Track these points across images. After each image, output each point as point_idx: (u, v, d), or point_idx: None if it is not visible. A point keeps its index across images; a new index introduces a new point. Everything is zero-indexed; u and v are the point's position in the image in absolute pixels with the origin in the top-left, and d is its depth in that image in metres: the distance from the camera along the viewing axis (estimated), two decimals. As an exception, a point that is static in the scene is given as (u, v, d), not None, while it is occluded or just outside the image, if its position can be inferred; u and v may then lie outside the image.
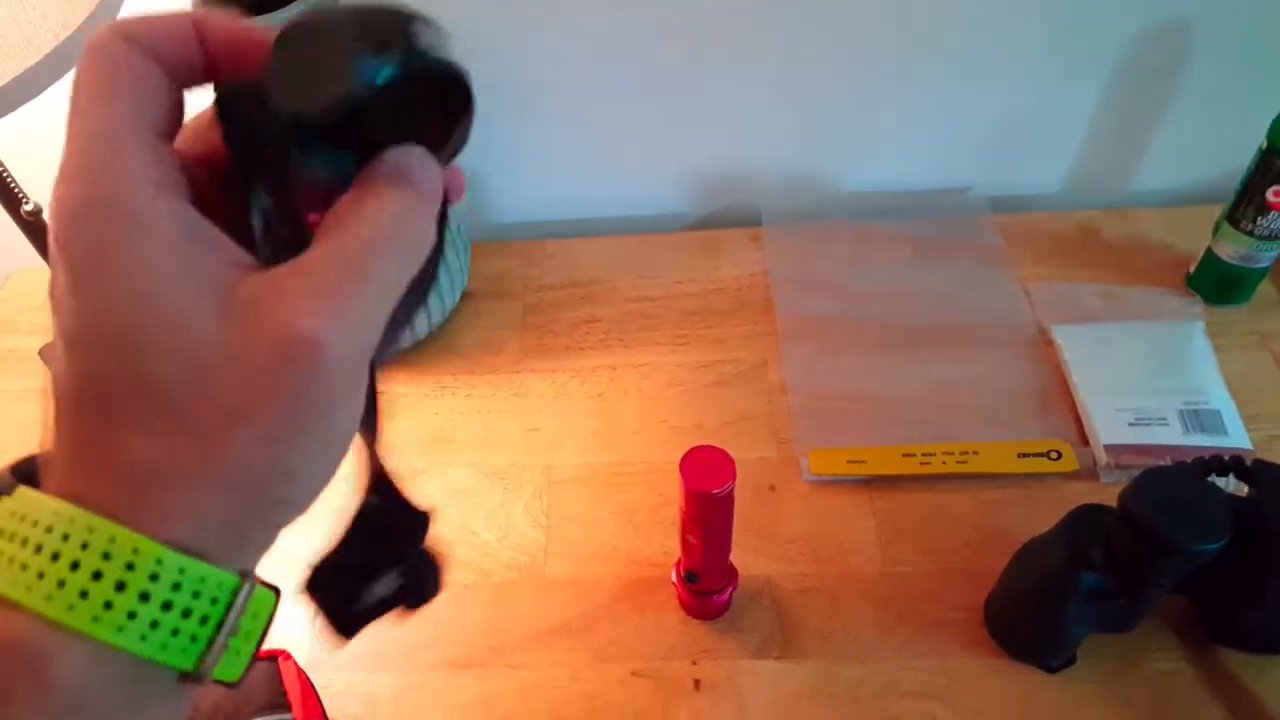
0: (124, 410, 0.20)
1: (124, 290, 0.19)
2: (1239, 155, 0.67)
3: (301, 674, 0.51)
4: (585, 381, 0.72)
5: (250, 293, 0.20)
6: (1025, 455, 0.65)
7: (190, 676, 0.20)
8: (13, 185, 0.62)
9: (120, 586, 0.19)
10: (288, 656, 0.56)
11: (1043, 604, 0.52)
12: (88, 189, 0.19)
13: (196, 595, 0.20)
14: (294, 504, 0.22)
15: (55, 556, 0.19)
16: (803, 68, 0.76)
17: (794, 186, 0.86)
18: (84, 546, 0.19)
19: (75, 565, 0.19)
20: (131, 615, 0.19)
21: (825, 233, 0.83)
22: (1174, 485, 0.47)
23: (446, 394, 0.72)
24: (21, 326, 0.81)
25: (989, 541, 0.61)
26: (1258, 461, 0.50)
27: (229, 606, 0.21)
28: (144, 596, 0.19)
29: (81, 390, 0.20)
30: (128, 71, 0.21)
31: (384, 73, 0.20)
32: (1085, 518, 0.52)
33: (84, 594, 0.19)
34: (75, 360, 0.20)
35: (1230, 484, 0.52)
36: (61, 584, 0.19)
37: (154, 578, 0.19)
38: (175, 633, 0.20)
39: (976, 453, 0.65)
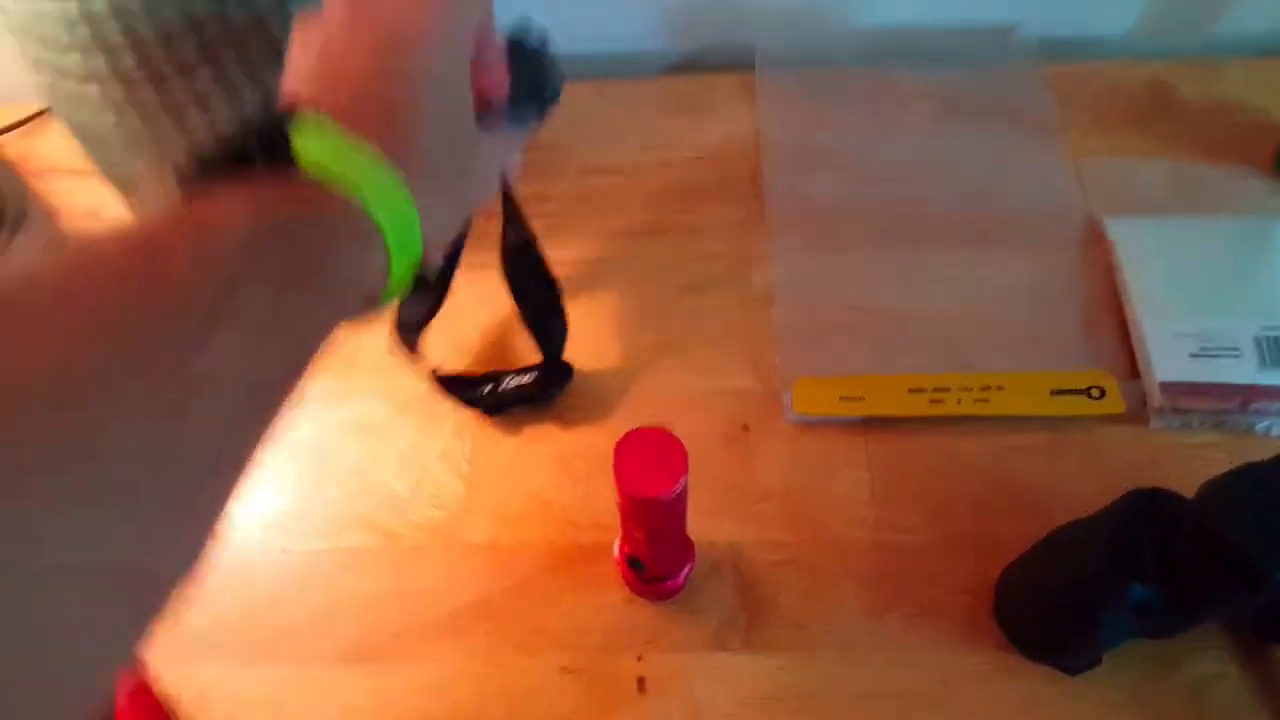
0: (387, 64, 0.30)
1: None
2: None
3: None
4: (524, 282, 0.58)
5: None
6: (1060, 392, 0.52)
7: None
8: None
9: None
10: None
11: (1072, 609, 0.41)
12: (444, 26, 0.31)
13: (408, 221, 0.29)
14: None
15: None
16: None
17: (796, 21, 0.68)
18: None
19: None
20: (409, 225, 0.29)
21: (831, 84, 0.67)
22: (1273, 494, 0.35)
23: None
24: None
25: (1006, 502, 0.50)
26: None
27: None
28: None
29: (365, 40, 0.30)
30: None
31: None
32: (1141, 508, 0.40)
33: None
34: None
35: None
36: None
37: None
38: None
39: (1001, 387, 0.53)
